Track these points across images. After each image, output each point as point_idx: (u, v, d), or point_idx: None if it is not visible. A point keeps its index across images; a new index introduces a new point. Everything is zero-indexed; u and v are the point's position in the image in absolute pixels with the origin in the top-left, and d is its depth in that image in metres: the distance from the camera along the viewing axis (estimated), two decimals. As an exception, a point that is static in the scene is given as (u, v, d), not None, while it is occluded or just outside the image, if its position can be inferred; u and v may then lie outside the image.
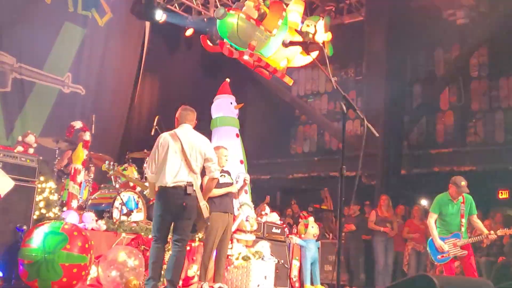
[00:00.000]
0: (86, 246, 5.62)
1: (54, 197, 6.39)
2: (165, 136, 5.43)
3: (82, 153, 6.95)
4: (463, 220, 6.96)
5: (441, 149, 13.70)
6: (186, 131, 5.47)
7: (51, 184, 6.37)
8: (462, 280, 3.39)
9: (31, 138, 6.58)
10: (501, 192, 13.03)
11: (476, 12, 12.71)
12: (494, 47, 13.37)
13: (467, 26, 13.07)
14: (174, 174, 5.24)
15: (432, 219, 7.11)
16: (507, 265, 8.87)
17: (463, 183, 6.96)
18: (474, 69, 13.81)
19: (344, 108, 3.34)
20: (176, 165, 5.26)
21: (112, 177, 7.78)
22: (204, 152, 5.38)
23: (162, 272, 5.79)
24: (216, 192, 6.47)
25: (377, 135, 3.36)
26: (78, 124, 7.09)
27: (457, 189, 6.97)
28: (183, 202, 5.19)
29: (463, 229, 6.96)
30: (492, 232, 7.04)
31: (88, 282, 6.10)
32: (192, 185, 5.24)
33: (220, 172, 6.69)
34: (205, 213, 5.37)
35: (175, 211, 5.26)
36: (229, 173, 7.08)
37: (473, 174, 13.05)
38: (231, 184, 6.99)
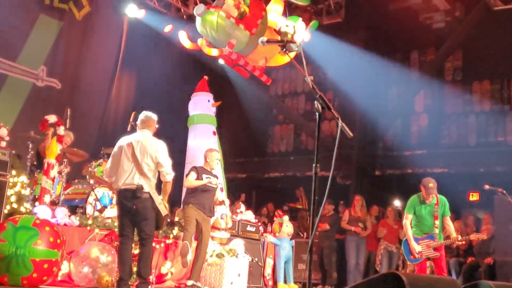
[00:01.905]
0: (58, 241, 5.58)
1: (26, 191, 6.32)
2: (120, 141, 5.64)
3: (55, 147, 6.87)
4: (437, 222, 7.00)
5: (415, 151, 13.86)
6: (141, 136, 5.62)
7: (23, 178, 6.31)
8: (430, 278, 3.44)
9: (3, 131, 6.49)
10: (472, 195, 13.24)
11: (451, 17, 12.89)
12: (468, 51, 13.58)
13: (443, 30, 13.25)
14: (125, 178, 5.45)
15: (407, 220, 7.17)
16: (475, 265, 9.04)
17: (431, 184, 7.02)
18: (448, 73, 14.01)
19: (320, 107, 3.37)
20: (127, 169, 5.47)
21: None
22: (155, 157, 5.51)
23: (135, 269, 5.80)
24: (195, 183, 6.89)
25: (351, 135, 3.38)
26: (52, 118, 7.01)
27: (426, 191, 7.04)
28: (133, 205, 5.39)
29: (437, 230, 6.99)
30: (460, 237, 7.10)
31: (59, 278, 6.06)
32: (142, 188, 5.39)
33: (207, 175, 7.03)
34: (163, 211, 5.52)
35: (129, 213, 5.46)
36: (217, 177, 7.28)
37: (445, 176, 13.22)
38: (214, 188, 7.16)
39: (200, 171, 7.07)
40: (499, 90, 13.33)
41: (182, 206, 7.11)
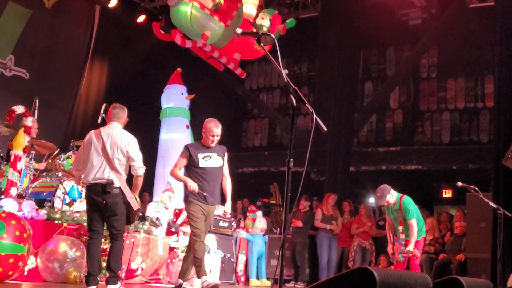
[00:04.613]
0: (25, 235, 5.48)
1: (-9, 184, 6.16)
2: (90, 134, 5.49)
3: (23, 139, 6.70)
4: (401, 227, 7.05)
5: (389, 147, 13.95)
6: (111, 129, 5.47)
7: (-12, 171, 6.13)
8: (402, 273, 3.46)
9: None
10: (445, 191, 13.41)
11: (427, 14, 12.97)
12: (443, 48, 13.71)
13: (419, 26, 13.33)
14: (95, 172, 5.31)
15: (386, 222, 7.33)
16: (447, 262, 9.12)
17: (378, 193, 7.07)
18: (424, 70, 14.12)
19: (294, 101, 3.30)
20: (97, 163, 5.33)
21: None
22: (125, 151, 5.38)
23: (104, 264, 5.70)
24: (179, 176, 5.84)
25: (325, 129, 3.32)
26: (19, 109, 6.83)
27: None
28: (103, 200, 5.27)
29: (402, 236, 7.03)
30: (407, 249, 7.00)
31: (25, 273, 5.96)
32: (112, 183, 5.27)
33: (205, 153, 5.89)
34: (135, 206, 5.39)
35: (98, 208, 5.34)
36: (222, 153, 5.98)
37: (419, 173, 13.37)
38: (218, 168, 5.91)
39: (194, 151, 5.85)
40: (473, 88, 13.48)
41: (184, 201, 6.01)
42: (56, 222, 6.41)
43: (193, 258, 5.79)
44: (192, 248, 5.80)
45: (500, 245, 6.87)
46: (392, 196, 7.03)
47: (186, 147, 5.87)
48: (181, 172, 5.84)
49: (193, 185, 5.68)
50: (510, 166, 8.23)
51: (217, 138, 5.88)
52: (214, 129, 5.86)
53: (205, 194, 5.74)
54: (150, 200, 9.65)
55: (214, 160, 5.85)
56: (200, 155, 5.80)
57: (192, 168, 5.83)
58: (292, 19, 10.48)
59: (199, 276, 5.83)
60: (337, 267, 10.14)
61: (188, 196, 5.82)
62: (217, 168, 5.88)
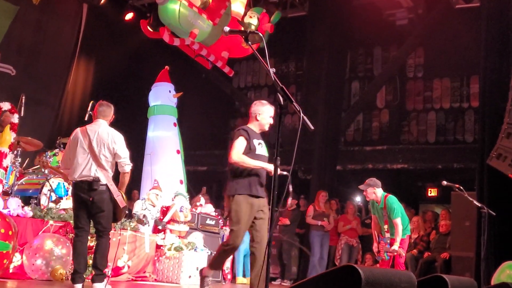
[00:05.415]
0: (10, 233, 5.41)
1: (-23, 181, 6.11)
2: (76, 132, 5.48)
3: (9, 136, 6.67)
4: (386, 226, 7.09)
5: (376, 146, 14.03)
6: (97, 127, 5.46)
7: (-26, 168, 6.08)
8: (386, 271, 3.49)
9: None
10: (430, 190, 13.51)
11: (414, 14, 13.07)
12: (430, 49, 13.80)
13: (406, 27, 13.42)
14: (81, 169, 5.30)
15: (372, 221, 7.35)
16: (431, 260, 9.20)
17: (366, 181, 7.13)
18: (410, 70, 14.21)
19: (281, 99, 3.32)
20: (83, 160, 5.32)
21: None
22: (112, 148, 5.38)
23: (90, 261, 5.69)
24: (250, 162, 4.98)
25: (312, 128, 3.36)
26: (5, 106, 6.78)
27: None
28: (90, 198, 5.26)
29: (387, 234, 7.08)
30: (392, 248, 7.03)
31: (11, 271, 5.90)
32: (99, 181, 5.26)
33: (259, 139, 5.19)
34: (121, 203, 5.39)
35: (84, 205, 5.33)
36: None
37: (405, 172, 13.47)
38: (267, 157, 5.21)
39: (251, 135, 5.08)
40: (458, 88, 13.60)
41: (228, 196, 5.11)
42: (45, 219, 6.38)
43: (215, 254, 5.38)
44: (220, 246, 5.30)
45: (484, 243, 6.92)
46: (375, 193, 7.07)
47: (245, 130, 5.07)
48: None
49: (265, 164, 4.99)
50: (494, 166, 8.31)
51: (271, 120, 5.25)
52: (273, 111, 5.22)
53: (285, 173, 4.47)
54: (138, 198, 9.63)
55: (264, 148, 5.19)
56: (255, 141, 5.08)
57: (246, 155, 5.05)
58: (277, 12, 10.49)
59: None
60: (325, 265, 10.19)
61: (236, 190, 5.01)
62: (266, 157, 5.20)
